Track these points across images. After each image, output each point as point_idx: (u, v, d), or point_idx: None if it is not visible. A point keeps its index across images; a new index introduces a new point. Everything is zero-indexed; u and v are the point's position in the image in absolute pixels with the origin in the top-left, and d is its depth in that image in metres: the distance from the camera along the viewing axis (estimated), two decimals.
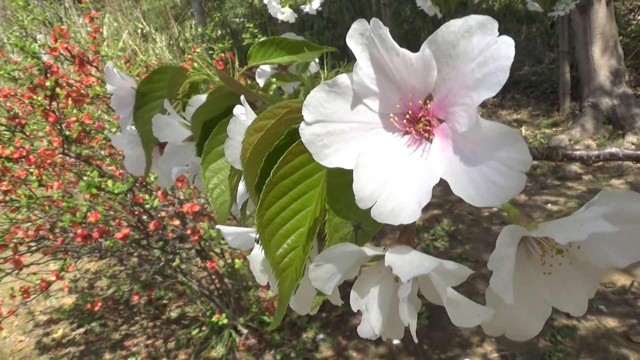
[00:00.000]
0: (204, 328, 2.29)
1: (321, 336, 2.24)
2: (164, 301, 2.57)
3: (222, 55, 2.41)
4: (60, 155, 2.00)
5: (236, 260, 2.07)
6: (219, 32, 4.85)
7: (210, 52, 2.53)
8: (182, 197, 2.14)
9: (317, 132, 0.30)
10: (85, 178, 2.07)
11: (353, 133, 0.31)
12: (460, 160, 0.28)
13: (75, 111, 2.03)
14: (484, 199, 0.27)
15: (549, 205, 2.88)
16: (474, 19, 0.27)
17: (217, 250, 2.28)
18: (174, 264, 1.98)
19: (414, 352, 2.07)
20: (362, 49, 0.29)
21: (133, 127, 0.66)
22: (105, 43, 2.29)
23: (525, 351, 2.01)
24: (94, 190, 1.73)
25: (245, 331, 2.24)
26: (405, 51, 0.28)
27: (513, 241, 0.29)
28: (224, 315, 2.14)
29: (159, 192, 1.97)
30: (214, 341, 2.23)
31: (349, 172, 0.33)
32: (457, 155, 0.29)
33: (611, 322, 2.08)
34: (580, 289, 0.32)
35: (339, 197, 0.36)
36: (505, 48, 0.25)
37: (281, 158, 0.38)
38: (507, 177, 0.26)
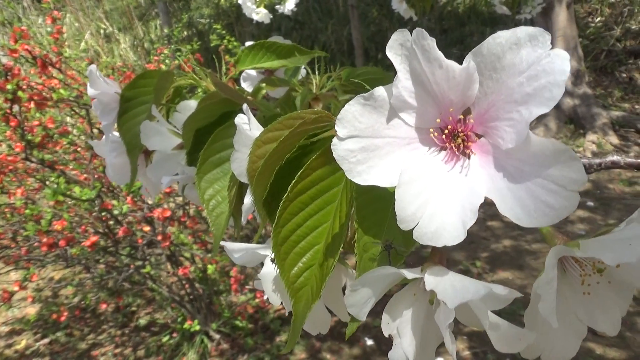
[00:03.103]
0: (174, 335, 2.23)
1: None
2: (133, 308, 2.50)
3: (190, 56, 2.35)
4: (22, 161, 1.91)
5: (209, 266, 2.03)
6: (185, 33, 4.76)
7: (178, 53, 2.47)
8: (150, 202, 2.08)
9: (350, 148, 0.28)
10: (48, 184, 1.99)
11: (388, 148, 0.29)
12: (504, 177, 0.27)
13: (38, 115, 1.95)
14: (532, 219, 0.25)
15: None
16: (523, 31, 0.25)
17: (187, 255, 2.23)
18: (145, 270, 1.92)
19: (387, 352, 2.08)
20: (402, 60, 0.27)
21: (116, 134, 0.63)
22: (66, 44, 2.20)
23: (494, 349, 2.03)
24: (61, 198, 1.65)
25: (217, 337, 2.20)
26: (450, 63, 0.27)
27: (556, 262, 0.28)
28: (195, 321, 2.09)
29: (128, 198, 1.91)
30: (186, 348, 2.18)
31: (377, 189, 0.31)
32: (499, 172, 0.27)
33: None
34: (615, 307, 0.31)
35: (368, 215, 0.34)
36: (560, 62, 0.24)
37: (299, 173, 0.36)
38: (559, 196, 0.25)
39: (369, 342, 2.15)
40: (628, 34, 4.34)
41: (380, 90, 0.29)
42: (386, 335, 0.31)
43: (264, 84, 0.69)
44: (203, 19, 5.22)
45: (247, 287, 2.32)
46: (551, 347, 0.31)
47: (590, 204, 2.85)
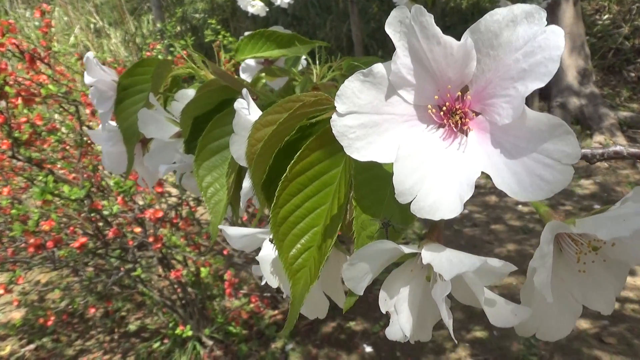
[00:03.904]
0: (166, 341, 2.24)
1: (290, 346, 2.23)
2: (122, 313, 2.50)
3: (185, 53, 2.37)
4: (8, 159, 1.92)
5: (202, 269, 2.04)
6: (178, 28, 4.78)
7: (171, 49, 2.49)
8: (141, 203, 2.10)
9: (349, 124, 0.30)
10: (36, 183, 2.00)
11: (386, 125, 0.31)
12: (501, 153, 0.29)
13: (25, 111, 1.96)
14: (527, 192, 0.27)
15: (520, 206, 2.96)
16: (520, 8, 0.27)
17: (180, 257, 2.24)
18: (135, 273, 1.93)
19: (387, 359, 2.09)
20: (401, 37, 0.29)
21: (113, 123, 0.64)
22: (55, 39, 2.22)
23: (499, 355, 2.05)
24: (49, 197, 1.67)
25: (210, 343, 2.21)
26: (448, 39, 0.28)
27: (552, 238, 0.29)
28: (188, 327, 2.10)
29: (119, 198, 1.92)
30: (177, 354, 2.19)
31: (377, 167, 0.33)
32: (496, 148, 0.29)
33: (583, 324, 2.15)
34: (610, 286, 0.33)
35: (366, 194, 0.36)
36: (555, 37, 0.26)
37: (297, 154, 0.37)
38: (554, 170, 0.26)
39: (368, 349, 2.16)
40: (637, 31, 4.37)
41: (379, 67, 0.30)
42: (383, 311, 0.33)
43: (263, 74, 0.71)
44: (197, 13, 5.25)
45: (241, 291, 2.34)
46: (546, 324, 0.32)
47: (598, 207, 2.88)
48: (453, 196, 0.28)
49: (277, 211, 0.38)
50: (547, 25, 0.26)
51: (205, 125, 0.56)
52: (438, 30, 0.28)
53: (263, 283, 0.44)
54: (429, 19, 0.28)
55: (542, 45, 0.26)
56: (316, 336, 2.28)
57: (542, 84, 0.26)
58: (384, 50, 4.85)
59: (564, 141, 0.26)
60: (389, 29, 0.29)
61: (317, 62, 0.69)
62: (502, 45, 0.28)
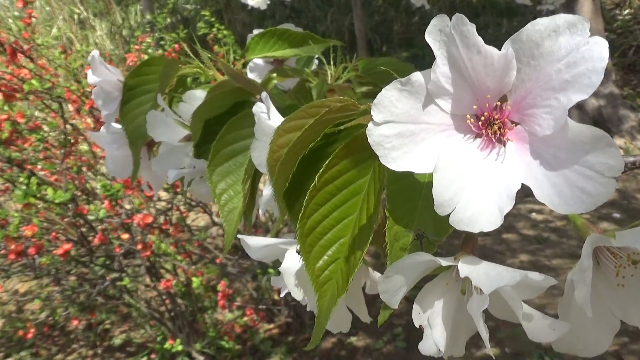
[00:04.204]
0: (153, 356, 2.25)
1: None
2: (107, 326, 2.51)
3: (176, 46, 2.39)
4: None
5: (193, 279, 2.05)
6: (169, 19, 4.80)
7: (161, 42, 2.51)
8: (128, 207, 2.11)
9: (386, 134, 0.32)
10: (17, 185, 2.01)
11: (423, 135, 0.33)
12: (540, 164, 0.31)
13: (6, 108, 1.97)
14: (568, 205, 0.29)
15: (534, 214, 2.98)
16: (562, 18, 0.29)
17: (169, 266, 2.26)
18: (122, 283, 1.94)
19: None
20: (440, 45, 0.31)
21: (117, 125, 0.66)
22: (36, 30, 2.23)
23: None
24: (32, 200, 1.68)
25: (201, 358, 2.22)
26: (489, 49, 0.30)
27: (592, 251, 0.31)
28: (177, 341, 2.11)
29: (106, 202, 1.93)
30: None
31: (408, 176, 0.35)
32: (535, 159, 0.31)
33: None
34: None
35: (399, 204, 0.38)
36: (599, 49, 0.28)
37: (326, 162, 0.39)
38: (596, 183, 0.28)
39: None
40: None
41: (417, 76, 0.32)
42: (417, 325, 0.35)
43: (274, 74, 0.73)
44: (189, 4, 5.27)
45: (235, 303, 2.35)
46: (584, 339, 0.34)
47: (617, 215, 2.91)
48: (492, 208, 0.30)
49: (305, 221, 0.40)
50: (590, 36, 0.28)
51: (217, 128, 0.58)
52: (479, 39, 0.30)
53: (283, 295, 0.46)
54: (471, 28, 0.29)
55: (585, 57, 0.28)
56: (315, 352, 2.29)
57: (585, 96, 0.28)
58: (389, 45, 4.88)
59: (606, 154, 0.28)
60: (429, 38, 0.31)
61: (331, 62, 0.71)
62: (543, 55, 0.30)
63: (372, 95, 0.68)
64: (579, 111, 3.81)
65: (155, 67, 0.66)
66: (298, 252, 0.41)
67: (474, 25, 0.29)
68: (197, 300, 2.33)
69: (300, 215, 0.39)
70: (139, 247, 1.96)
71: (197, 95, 0.66)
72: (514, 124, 0.33)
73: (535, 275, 0.30)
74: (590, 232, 0.34)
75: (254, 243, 0.46)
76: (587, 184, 0.29)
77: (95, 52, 0.62)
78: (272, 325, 2.44)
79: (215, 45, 2.58)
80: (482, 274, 0.31)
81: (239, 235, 0.47)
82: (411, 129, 0.33)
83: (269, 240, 0.46)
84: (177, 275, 2.21)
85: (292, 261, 0.43)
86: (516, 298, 0.31)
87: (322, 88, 0.62)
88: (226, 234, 0.55)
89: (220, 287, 2.16)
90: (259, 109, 0.48)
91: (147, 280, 2.21)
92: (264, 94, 0.48)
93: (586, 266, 0.30)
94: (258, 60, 0.82)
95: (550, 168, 0.30)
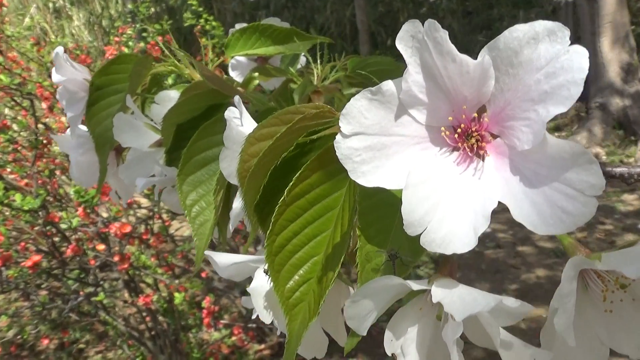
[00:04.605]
0: None
1: None
2: (81, 345, 2.52)
3: (160, 39, 2.40)
4: None
5: (175, 295, 2.06)
6: (153, 9, 4.81)
7: (144, 34, 2.52)
8: (105, 215, 2.12)
9: (355, 146, 0.33)
10: None
11: (395, 148, 0.33)
12: (520, 181, 0.31)
13: None
14: (548, 225, 0.30)
15: None
16: (541, 25, 0.30)
17: (150, 280, 2.26)
18: (97, 299, 1.95)
19: None
20: (412, 52, 0.32)
21: (84, 128, 0.67)
22: (7, 20, 2.25)
23: None
24: None
25: None
26: (464, 57, 0.31)
27: (575, 275, 0.32)
28: None
29: (80, 209, 1.94)
30: None
31: (383, 192, 0.36)
32: (515, 175, 0.32)
33: None
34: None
35: (372, 221, 0.38)
36: (579, 59, 0.29)
37: (297, 174, 0.40)
38: (576, 202, 0.29)
39: None
40: None
41: (389, 84, 0.33)
42: (389, 353, 0.35)
43: (256, 74, 0.74)
44: None
45: (222, 321, 2.35)
46: None
47: None
48: (467, 228, 0.31)
49: (273, 238, 0.40)
50: (570, 44, 0.29)
51: (190, 133, 0.59)
52: (453, 47, 0.31)
53: (254, 317, 0.46)
54: (443, 34, 0.30)
55: (564, 67, 0.29)
56: None
57: (564, 109, 0.29)
58: (394, 38, 4.84)
59: (587, 171, 0.29)
60: (400, 44, 0.32)
61: (319, 60, 0.72)
62: (522, 64, 0.30)
63: None
64: (602, 112, 3.82)
65: (126, 66, 0.66)
66: (266, 271, 0.41)
67: (447, 32, 0.30)
68: (180, 317, 2.33)
69: (268, 231, 0.40)
70: (117, 259, 1.97)
71: (172, 97, 0.66)
72: (494, 137, 0.33)
73: (510, 301, 0.30)
74: (577, 253, 0.35)
75: (222, 260, 0.46)
76: (568, 202, 0.29)
77: (59, 49, 0.63)
78: (262, 346, 2.45)
79: (203, 37, 2.59)
80: (457, 299, 0.32)
81: (206, 252, 0.47)
82: (382, 142, 0.33)
83: (238, 257, 0.46)
84: (158, 290, 2.21)
85: (261, 281, 0.43)
86: (494, 324, 0.32)
87: (305, 90, 0.63)
88: (197, 250, 0.56)
89: (205, 303, 2.16)
90: (231, 114, 0.48)
91: (126, 295, 2.22)
92: (236, 98, 0.49)
93: (566, 292, 0.31)
94: (241, 58, 0.83)
95: (530, 185, 0.31)
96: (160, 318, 2.23)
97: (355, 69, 0.69)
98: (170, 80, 1.47)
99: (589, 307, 0.36)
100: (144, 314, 2.20)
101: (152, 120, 0.66)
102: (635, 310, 0.35)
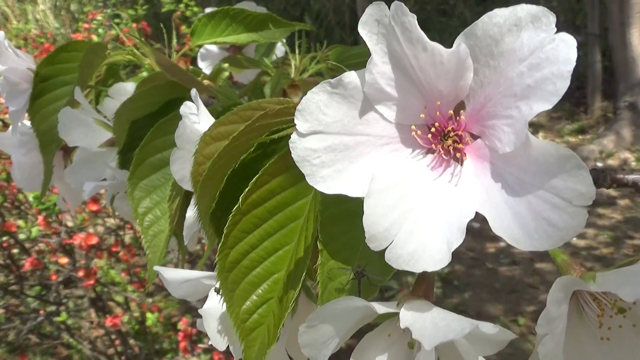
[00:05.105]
0: None
1: None
2: None
3: (134, 26, 2.40)
4: None
5: (148, 315, 2.05)
6: None
7: (116, 21, 2.52)
8: (69, 225, 2.11)
9: (313, 147, 0.32)
10: None
11: (361, 149, 0.33)
12: (502, 188, 0.30)
13: None
14: (532, 240, 0.29)
15: (574, 238, 2.98)
16: (524, 10, 0.29)
17: (120, 299, 2.25)
18: (60, 319, 1.94)
19: None
20: (378, 39, 0.31)
21: (27, 124, 0.66)
22: None
23: None
24: None
25: None
26: (435, 45, 0.30)
27: (565, 297, 0.31)
28: None
29: (40, 217, 1.93)
30: None
31: (349, 201, 0.35)
32: (496, 182, 0.31)
33: None
34: None
35: (336, 234, 0.37)
36: (565, 49, 0.28)
37: (254, 179, 0.39)
38: (564, 213, 0.28)
39: None
40: None
41: (351, 76, 0.32)
42: None
43: (226, 65, 0.73)
44: None
45: (200, 345, 2.34)
46: None
47: None
48: (439, 242, 0.30)
49: (226, 252, 0.39)
50: (556, 32, 0.28)
51: (145, 131, 0.58)
52: (423, 34, 0.30)
53: (210, 343, 0.45)
54: (412, 19, 0.29)
55: (549, 57, 0.28)
56: None
57: (548, 106, 0.28)
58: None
59: (575, 177, 0.28)
60: (363, 30, 0.31)
61: (297, 50, 0.71)
62: (504, 54, 0.30)
63: None
64: (632, 112, 3.81)
65: (76, 54, 0.66)
66: (217, 290, 0.41)
67: (415, 16, 0.29)
68: (153, 340, 2.32)
69: (220, 245, 0.39)
70: (82, 274, 1.96)
71: (128, 90, 0.66)
72: (473, 137, 0.32)
73: (487, 327, 0.29)
74: (572, 273, 0.34)
75: (174, 276, 0.45)
76: (554, 214, 0.28)
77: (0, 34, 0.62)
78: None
79: (183, 24, 2.60)
80: (429, 324, 0.31)
81: (155, 267, 0.47)
82: (345, 142, 0.32)
83: (190, 274, 0.45)
84: (129, 309, 2.20)
85: (216, 301, 0.43)
86: (472, 354, 0.31)
87: (278, 83, 0.62)
88: (149, 263, 0.55)
89: (182, 325, 2.15)
90: (186, 109, 0.48)
91: (92, 315, 2.21)
92: (193, 91, 0.48)
93: (553, 316, 0.30)
94: (211, 46, 0.83)
95: (513, 193, 0.30)
96: (132, 341, 2.22)
97: (337, 60, 0.68)
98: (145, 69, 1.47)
99: (584, 333, 0.35)
100: (113, 336, 2.19)
101: (105, 116, 0.65)
102: (636, 338, 0.34)
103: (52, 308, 2.07)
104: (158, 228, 0.56)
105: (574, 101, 4.36)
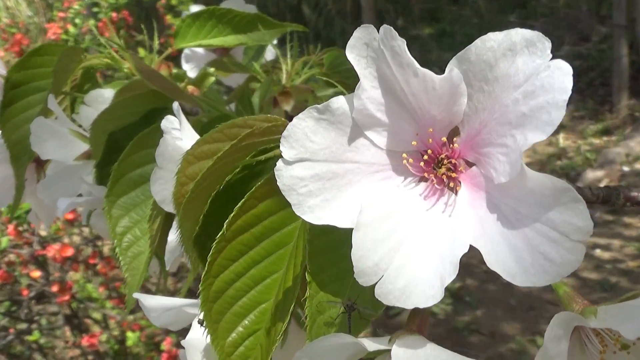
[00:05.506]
0: None
1: None
2: None
3: (114, 15, 2.41)
4: None
5: (128, 334, 2.06)
6: None
7: (95, 9, 2.53)
8: (43, 234, 2.12)
9: (300, 175, 0.33)
10: None
11: (350, 177, 0.34)
12: (498, 220, 0.32)
13: None
14: (529, 275, 0.30)
15: (598, 250, 2.99)
16: (518, 34, 0.30)
17: (98, 316, 2.26)
18: (32, 337, 1.95)
19: None
20: (367, 63, 0.33)
21: None
22: None
23: None
24: None
25: None
26: (426, 72, 0.32)
27: (565, 334, 0.33)
28: None
29: (10, 226, 1.94)
30: None
31: (338, 230, 0.36)
32: (492, 213, 0.32)
33: None
34: None
35: (325, 265, 0.39)
36: (561, 76, 0.29)
37: (239, 204, 0.41)
38: (561, 247, 0.30)
39: None
40: None
41: (339, 101, 0.34)
42: None
43: (212, 69, 0.74)
44: None
45: None
46: None
47: None
48: (432, 277, 0.31)
49: (211, 281, 0.41)
50: (551, 58, 0.30)
51: (124, 144, 0.60)
52: (413, 60, 0.31)
53: None
54: (401, 43, 0.31)
55: (544, 85, 0.30)
56: None
57: (543, 136, 0.30)
58: (406, 18, 4.88)
59: (572, 210, 0.29)
60: (351, 54, 0.32)
61: (289, 53, 0.73)
62: (498, 79, 0.31)
63: None
64: None
65: (50, 58, 0.67)
66: (200, 322, 0.42)
67: (404, 41, 0.31)
68: None
69: (204, 273, 0.41)
70: (56, 288, 1.97)
71: (106, 97, 0.67)
72: (468, 165, 0.34)
73: None
74: (574, 307, 0.35)
75: (154, 305, 0.47)
76: (551, 248, 0.30)
77: None
78: None
79: (169, 14, 2.61)
80: None
81: (134, 294, 0.48)
82: (333, 170, 0.34)
83: (173, 302, 0.47)
84: (107, 328, 2.21)
85: (198, 332, 0.44)
86: None
87: (268, 90, 0.63)
88: (129, 287, 0.56)
89: (165, 345, 2.16)
90: (168, 124, 0.49)
91: (67, 334, 2.22)
92: (175, 104, 0.50)
93: (552, 354, 0.31)
94: (198, 48, 0.84)
95: (509, 226, 0.31)
96: None
97: (332, 65, 0.70)
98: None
99: None
100: (90, 357, 2.20)
101: (80, 125, 0.66)
102: None
103: (23, 326, 2.08)
104: (137, 249, 0.57)
105: (598, 99, 4.36)
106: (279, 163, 0.34)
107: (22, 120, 0.66)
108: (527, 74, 0.30)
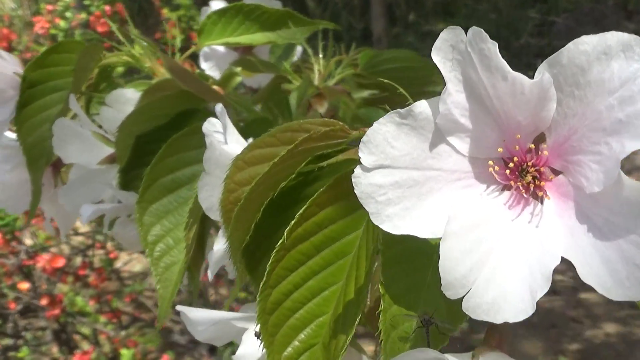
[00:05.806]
0: None
1: None
2: None
3: (107, 9, 2.42)
4: None
5: (123, 351, 2.06)
6: None
7: (86, 2, 2.54)
8: (29, 243, 2.12)
9: (379, 182, 0.34)
10: None
11: (431, 185, 0.35)
12: (589, 231, 0.33)
13: None
14: (624, 289, 0.31)
15: None
16: (614, 37, 0.31)
17: (87, 331, 2.26)
18: (20, 355, 1.95)
19: None
20: (453, 66, 0.33)
21: (12, 136, 0.67)
22: None
23: None
24: None
25: None
26: (516, 75, 0.33)
27: None
28: None
29: None
30: None
31: (413, 239, 0.37)
32: (582, 224, 0.33)
33: None
34: None
35: (399, 276, 0.40)
36: None
37: (301, 211, 0.41)
38: None
39: None
40: None
41: (422, 105, 0.35)
42: None
43: (238, 69, 0.75)
44: None
45: None
46: None
47: None
48: (522, 290, 0.32)
49: (268, 292, 0.42)
50: None
51: (153, 147, 0.60)
52: (504, 62, 0.32)
53: None
54: (492, 46, 0.32)
55: None
56: None
57: None
58: (418, 13, 4.86)
59: None
60: (437, 56, 0.33)
61: (320, 52, 0.73)
62: (591, 84, 0.32)
63: (376, 103, 0.71)
64: None
65: (68, 55, 0.67)
66: (257, 334, 0.43)
67: (496, 44, 0.32)
68: None
69: (262, 283, 0.42)
70: (44, 302, 1.97)
71: (128, 97, 0.67)
72: (555, 173, 0.35)
73: None
74: None
75: (199, 317, 0.47)
76: None
77: None
78: None
79: (165, 8, 2.61)
80: None
81: (177, 307, 0.49)
82: (414, 177, 0.35)
83: (219, 315, 0.48)
84: (98, 344, 2.21)
85: (250, 347, 0.45)
86: None
87: (305, 92, 0.64)
88: (161, 300, 0.57)
89: None
90: (211, 127, 0.50)
91: (54, 350, 2.22)
92: (218, 106, 0.50)
93: None
94: (217, 46, 0.85)
95: (602, 237, 0.32)
96: None
97: (367, 65, 0.71)
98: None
99: None
100: None
101: (100, 126, 0.67)
102: None
103: (9, 341, 2.08)
104: (171, 259, 0.57)
105: None
106: (357, 170, 0.34)
107: (40, 121, 0.67)
108: (623, 79, 0.31)
